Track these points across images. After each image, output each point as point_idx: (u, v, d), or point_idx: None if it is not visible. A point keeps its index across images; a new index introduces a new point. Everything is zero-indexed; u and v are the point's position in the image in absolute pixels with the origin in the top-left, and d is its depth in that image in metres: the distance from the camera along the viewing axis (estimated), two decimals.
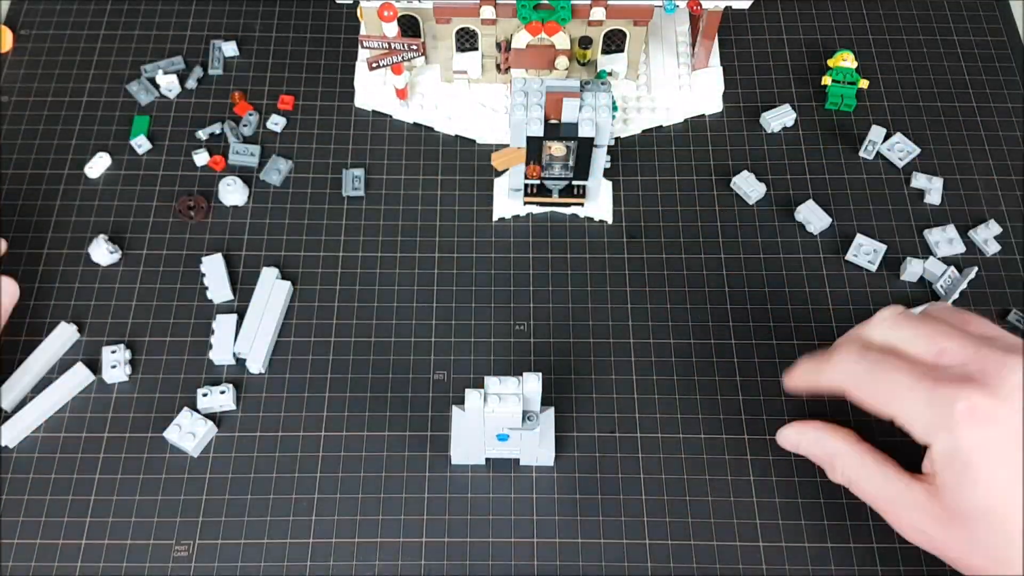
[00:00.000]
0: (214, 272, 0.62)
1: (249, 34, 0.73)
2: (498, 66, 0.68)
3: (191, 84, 0.70)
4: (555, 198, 0.63)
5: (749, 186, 0.65)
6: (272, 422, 0.57)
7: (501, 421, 0.49)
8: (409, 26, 0.67)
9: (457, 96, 0.69)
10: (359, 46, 0.70)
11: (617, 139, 0.68)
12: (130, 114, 0.69)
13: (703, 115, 0.70)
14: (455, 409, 0.53)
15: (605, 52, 0.68)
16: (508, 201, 0.64)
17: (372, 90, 0.69)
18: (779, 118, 0.69)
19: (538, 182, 0.62)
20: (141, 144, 0.67)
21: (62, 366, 0.59)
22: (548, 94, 0.55)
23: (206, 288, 0.62)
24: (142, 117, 0.69)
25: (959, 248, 0.63)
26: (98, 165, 0.66)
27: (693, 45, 0.71)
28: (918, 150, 0.67)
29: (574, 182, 0.62)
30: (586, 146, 0.57)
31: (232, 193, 0.64)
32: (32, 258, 0.63)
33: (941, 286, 0.61)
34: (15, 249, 0.63)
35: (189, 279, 0.62)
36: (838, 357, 0.49)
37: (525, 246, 0.64)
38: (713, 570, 0.53)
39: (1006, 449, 0.43)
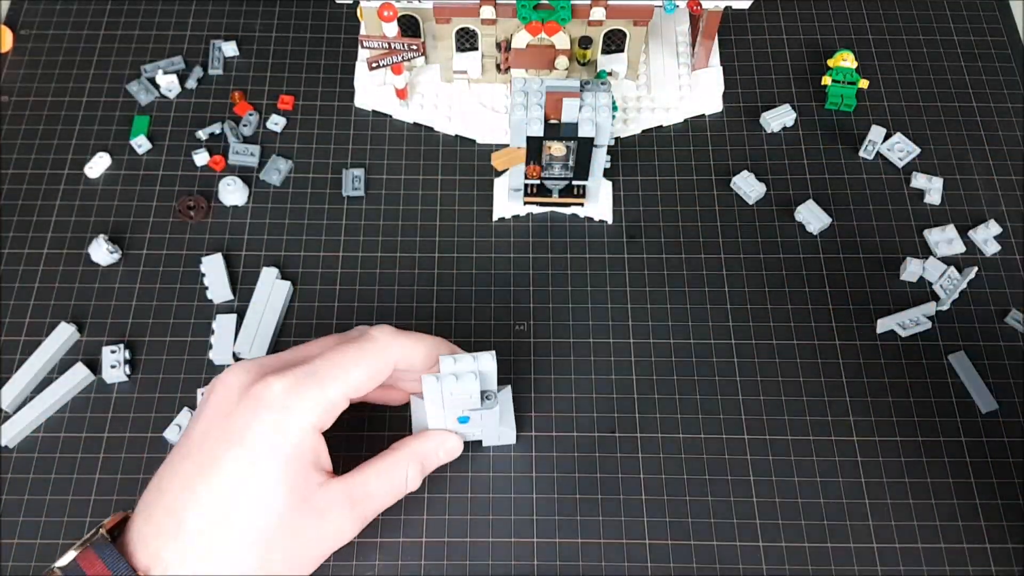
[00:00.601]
0: (214, 272, 0.62)
1: (249, 34, 0.73)
2: (498, 66, 0.68)
3: (191, 84, 0.70)
4: (555, 198, 0.63)
5: (749, 186, 0.65)
6: None
7: (460, 403, 0.49)
8: (409, 26, 0.67)
9: (457, 96, 0.70)
10: (359, 46, 0.70)
11: (617, 139, 0.68)
12: (130, 114, 0.69)
13: (703, 115, 0.70)
14: (413, 398, 0.53)
15: (605, 52, 0.68)
16: (508, 201, 0.64)
17: (372, 90, 0.69)
18: (779, 118, 0.69)
19: (538, 182, 0.62)
20: (141, 144, 0.67)
21: (62, 366, 0.59)
22: (548, 94, 0.55)
23: (206, 288, 0.62)
24: (142, 117, 0.69)
25: (959, 248, 0.63)
26: (98, 165, 0.66)
27: (693, 45, 0.71)
28: (918, 150, 0.67)
29: (574, 182, 0.62)
30: (586, 146, 0.57)
31: (232, 193, 0.64)
32: (32, 258, 0.63)
33: (941, 286, 0.61)
34: (15, 249, 0.63)
35: (189, 279, 0.62)
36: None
37: (525, 246, 0.64)
38: (713, 570, 0.53)
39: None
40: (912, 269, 0.62)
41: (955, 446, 0.57)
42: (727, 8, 0.64)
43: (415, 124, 0.69)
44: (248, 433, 0.44)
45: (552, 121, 0.56)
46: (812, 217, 0.64)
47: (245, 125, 0.68)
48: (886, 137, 0.68)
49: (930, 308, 0.61)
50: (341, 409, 0.47)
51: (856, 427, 0.57)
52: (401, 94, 0.68)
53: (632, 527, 0.54)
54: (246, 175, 0.66)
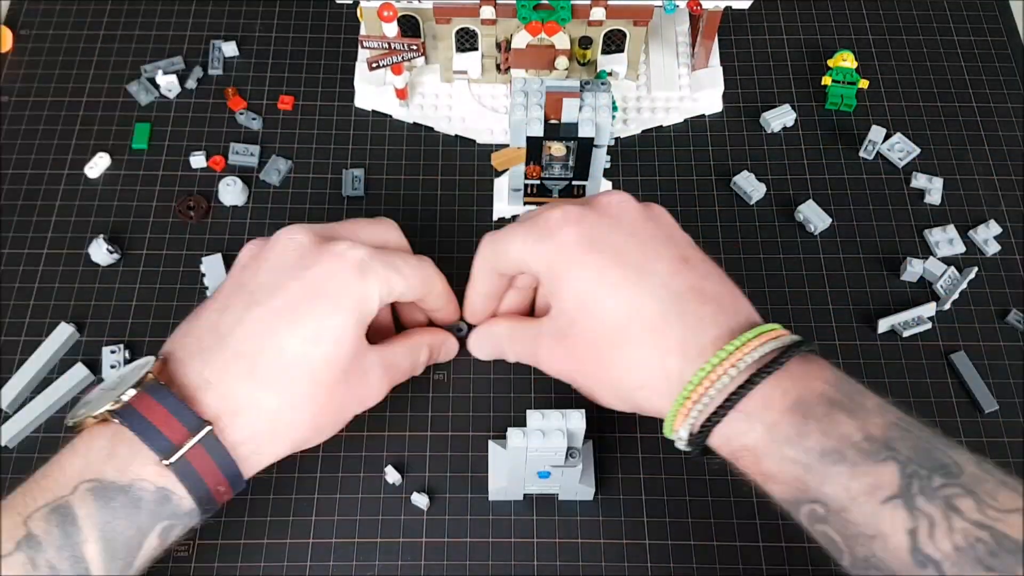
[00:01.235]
0: (214, 272, 0.62)
1: (249, 34, 0.73)
2: (498, 66, 0.68)
3: (191, 84, 0.70)
4: (555, 198, 0.63)
5: (749, 186, 0.65)
6: None
7: (544, 458, 0.48)
8: (409, 26, 0.67)
9: (457, 96, 0.69)
10: (359, 46, 0.70)
11: (617, 139, 0.68)
12: (130, 114, 0.69)
13: (703, 115, 0.70)
14: (492, 445, 0.53)
15: (605, 52, 0.68)
16: (508, 201, 0.64)
17: (372, 90, 0.69)
18: (779, 118, 0.69)
19: (538, 182, 0.62)
20: (171, 86, 0.69)
21: (62, 366, 0.59)
22: (548, 94, 0.55)
23: (206, 288, 0.62)
24: (143, 124, 0.68)
25: (959, 248, 0.63)
26: (98, 165, 0.66)
27: (693, 45, 0.71)
28: (918, 150, 0.67)
29: (574, 182, 0.62)
30: (586, 146, 0.57)
31: (232, 193, 0.64)
32: (32, 258, 0.63)
33: (941, 286, 0.61)
34: (15, 249, 0.63)
35: (189, 279, 0.62)
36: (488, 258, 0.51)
37: None
38: (713, 570, 0.53)
39: (592, 245, 0.45)
40: (912, 269, 0.62)
41: None
42: (727, 8, 0.64)
43: (415, 124, 0.69)
44: (332, 285, 0.45)
45: (552, 121, 0.56)
46: (812, 217, 0.64)
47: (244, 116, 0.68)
48: (886, 137, 0.68)
49: (930, 308, 0.61)
50: (390, 301, 0.49)
51: None
52: (401, 94, 0.68)
53: (632, 527, 0.54)
54: (246, 175, 0.66)
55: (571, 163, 0.60)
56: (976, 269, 0.61)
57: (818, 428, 0.39)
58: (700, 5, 0.63)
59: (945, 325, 0.61)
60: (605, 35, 0.66)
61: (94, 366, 0.59)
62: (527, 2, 0.62)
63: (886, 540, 0.37)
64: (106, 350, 0.59)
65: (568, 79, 0.56)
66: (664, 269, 0.45)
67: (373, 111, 0.70)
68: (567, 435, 0.47)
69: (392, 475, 0.55)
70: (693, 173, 0.67)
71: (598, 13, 0.63)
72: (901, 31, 0.74)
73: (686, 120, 0.69)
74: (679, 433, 0.43)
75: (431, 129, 0.69)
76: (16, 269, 0.62)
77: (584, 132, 0.56)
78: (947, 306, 0.61)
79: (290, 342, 0.44)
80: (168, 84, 0.70)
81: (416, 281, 0.50)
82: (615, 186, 0.66)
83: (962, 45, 0.74)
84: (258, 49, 0.73)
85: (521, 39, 0.65)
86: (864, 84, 0.69)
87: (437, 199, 0.66)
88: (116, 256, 0.63)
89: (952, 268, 0.62)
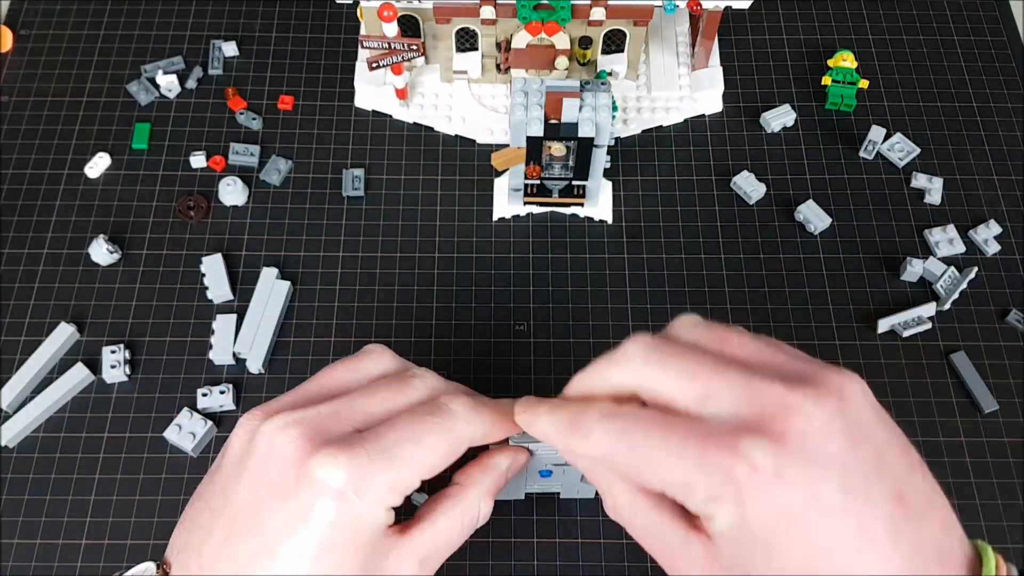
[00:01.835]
0: (214, 272, 0.62)
1: (249, 34, 0.73)
2: (498, 66, 0.68)
3: (191, 84, 0.70)
4: (555, 198, 0.63)
5: (749, 186, 0.65)
6: None
7: (546, 457, 0.46)
8: (409, 26, 0.67)
9: (457, 96, 0.69)
10: (359, 46, 0.70)
11: (617, 139, 0.68)
12: (130, 114, 0.69)
13: (703, 115, 0.70)
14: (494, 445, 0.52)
15: (605, 52, 0.68)
16: (508, 201, 0.64)
17: (372, 90, 0.69)
18: (779, 118, 0.69)
19: (538, 182, 0.62)
20: (171, 86, 0.69)
21: (62, 366, 0.59)
22: (548, 94, 0.55)
23: (206, 288, 0.62)
24: (143, 124, 0.68)
25: (959, 248, 0.63)
26: (98, 165, 0.66)
27: (693, 45, 0.71)
28: (918, 150, 0.67)
29: (574, 182, 0.62)
30: (586, 146, 0.57)
31: (232, 193, 0.64)
32: (32, 258, 0.63)
33: (941, 286, 0.61)
34: (15, 249, 0.63)
35: (189, 279, 0.62)
36: (585, 427, 0.37)
37: (525, 246, 0.64)
38: None
39: (802, 514, 0.32)
40: (913, 269, 0.62)
41: (955, 446, 0.57)
42: (727, 8, 0.64)
43: (415, 124, 0.69)
44: (312, 519, 0.37)
45: (552, 121, 0.56)
46: (812, 217, 0.64)
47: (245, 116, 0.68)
48: (886, 137, 0.68)
49: (930, 308, 0.61)
50: (414, 489, 0.39)
51: None
52: (401, 94, 0.68)
53: None
54: (246, 175, 0.66)
55: (571, 163, 0.60)
56: (976, 269, 0.61)
57: None
58: (700, 5, 0.63)
59: (945, 325, 0.61)
60: (605, 35, 0.66)
61: (94, 366, 0.59)
62: (527, 2, 0.62)
63: None
64: (106, 350, 0.59)
65: (568, 79, 0.56)
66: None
67: (373, 111, 0.70)
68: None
69: None
70: (693, 173, 0.67)
71: (598, 13, 0.63)
72: (901, 31, 0.74)
73: (686, 120, 0.69)
74: None
75: (431, 129, 0.69)
76: (16, 269, 0.62)
77: (584, 132, 0.56)
78: (947, 306, 0.61)
79: None
80: (168, 84, 0.70)
81: (444, 454, 0.40)
82: (615, 186, 0.66)
83: (962, 45, 0.74)
84: (258, 49, 0.73)
85: (521, 39, 0.65)
86: (864, 84, 0.69)
87: (437, 199, 0.66)
88: (116, 256, 0.63)
89: (952, 268, 0.62)
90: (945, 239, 0.63)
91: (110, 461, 0.56)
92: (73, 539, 0.53)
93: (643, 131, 0.69)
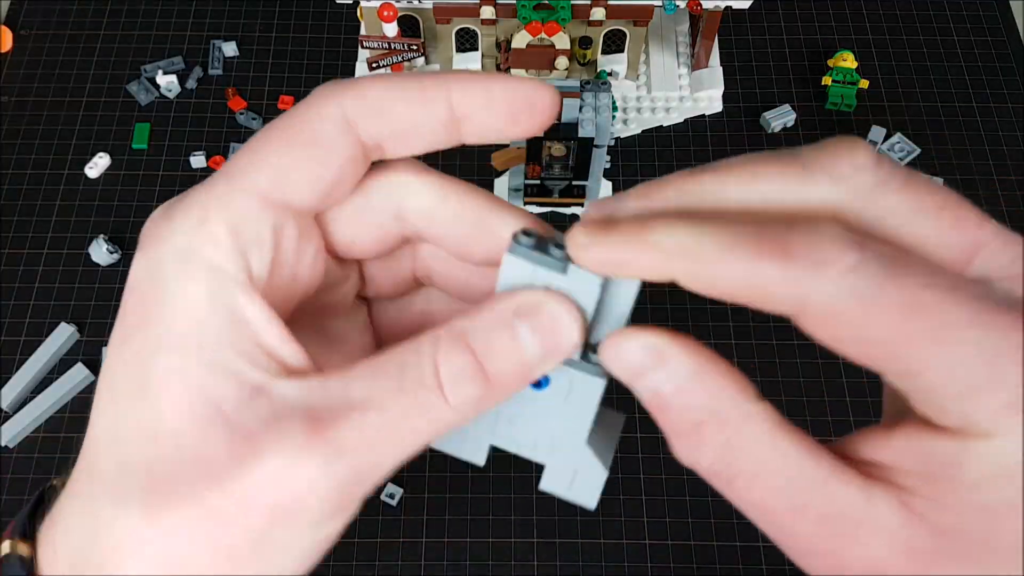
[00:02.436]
0: None
1: (249, 34, 0.73)
2: (498, 66, 0.68)
3: (191, 84, 0.70)
4: (555, 198, 0.63)
5: None
6: None
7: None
8: (409, 26, 0.67)
9: None
10: (359, 46, 0.70)
11: (617, 139, 0.68)
12: (130, 114, 0.69)
13: (703, 115, 0.70)
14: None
15: (605, 52, 0.68)
16: (508, 201, 0.64)
17: None
18: (779, 118, 0.69)
19: (538, 182, 0.62)
20: (171, 86, 0.69)
21: (62, 366, 0.59)
22: None
23: None
24: (143, 124, 0.68)
25: None
26: (98, 165, 0.66)
27: (693, 45, 0.71)
28: (918, 150, 0.67)
29: (574, 182, 0.62)
30: (586, 146, 0.57)
31: None
32: (32, 258, 0.63)
33: None
34: (15, 249, 0.63)
35: None
36: (823, 256, 0.19)
37: None
38: (713, 570, 0.53)
39: None
40: None
41: None
42: (727, 8, 0.64)
43: None
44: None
45: (552, 121, 0.56)
46: None
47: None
48: (886, 137, 0.68)
49: None
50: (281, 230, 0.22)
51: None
52: None
53: (632, 527, 0.54)
54: None
55: (571, 163, 0.60)
56: None
57: None
58: (700, 5, 0.63)
59: None
60: (605, 35, 0.66)
61: (94, 366, 0.59)
62: (527, 2, 0.62)
63: None
64: (106, 350, 0.58)
65: (568, 79, 0.56)
66: None
67: None
68: (606, 290, 0.23)
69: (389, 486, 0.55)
70: None
71: (598, 13, 0.63)
72: (901, 31, 0.74)
73: (686, 120, 0.69)
74: None
75: None
76: (16, 269, 0.62)
77: (584, 132, 0.56)
78: None
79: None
80: (168, 84, 0.70)
81: (304, 160, 0.22)
82: (615, 186, 0.66)
83: (962, 45, 0.74)
84: (258, 49, 0.73)
85: (521, 39, 0.65)
86: (864, 84, 0.69)
87: None
88: (116, 256, 0.63)
89: None
90: None
91: None
92: None
93: (643, 131, 0.69)
